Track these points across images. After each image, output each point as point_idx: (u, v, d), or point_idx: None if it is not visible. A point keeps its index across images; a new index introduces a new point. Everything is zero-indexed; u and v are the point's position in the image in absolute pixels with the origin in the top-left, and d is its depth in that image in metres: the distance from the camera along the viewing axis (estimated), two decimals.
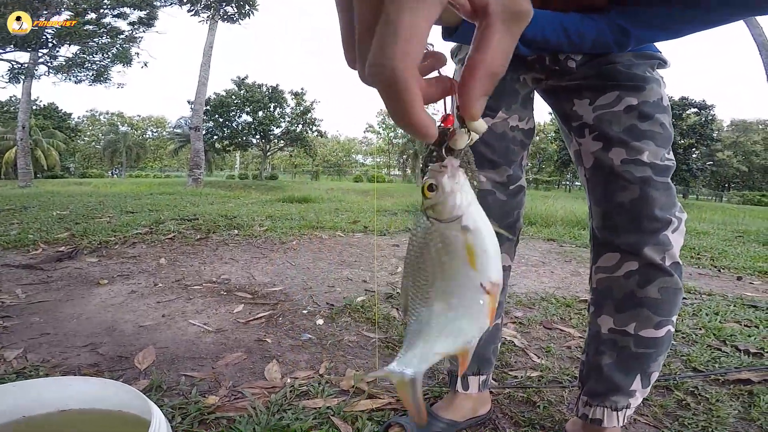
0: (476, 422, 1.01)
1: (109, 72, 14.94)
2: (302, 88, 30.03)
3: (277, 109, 29.08)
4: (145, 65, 15.12)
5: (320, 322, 1.60)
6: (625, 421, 0.84)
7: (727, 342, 1.53)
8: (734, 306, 1.98)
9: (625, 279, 0.79)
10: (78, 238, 2.80)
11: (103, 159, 45.59)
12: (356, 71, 0.24)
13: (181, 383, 1.15)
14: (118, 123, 52.40)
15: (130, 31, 14.86)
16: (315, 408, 1.04)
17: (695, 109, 25.98)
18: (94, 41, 13.83)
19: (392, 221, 4.42)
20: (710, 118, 25.98)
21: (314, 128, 29.85)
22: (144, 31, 15.19)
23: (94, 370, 1.20)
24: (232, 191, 10.16)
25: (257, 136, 29.26)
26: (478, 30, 0.23)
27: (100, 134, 50.24)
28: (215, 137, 27.97)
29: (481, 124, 0.27)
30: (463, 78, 0.24)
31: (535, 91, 0.92)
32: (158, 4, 14.02)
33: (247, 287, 2.02)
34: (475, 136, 0.28)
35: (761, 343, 1.51)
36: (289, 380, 1.18)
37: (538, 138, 39.39)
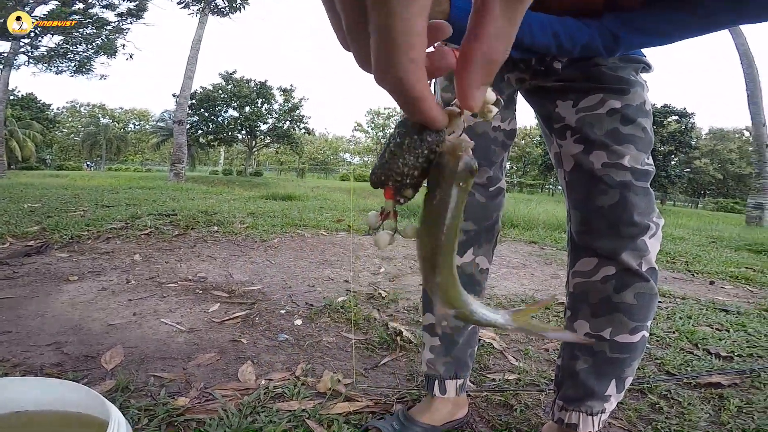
0: (454, 426, 1.00)
1: (92, 63, 14.50)
2: (291, 85, 29.71)
3: (265, 105, 28.72)
4: (131, 57, 14.72)
5: (298, 322, 1.57)
6: (601, 425, 0.84)
7: (699, 345, 1.56)
8: (706, 310, 2.03)
9: (601, 284, 0.79)
10: (49, 232, 2.70)
11: (82, 151, 44.55)
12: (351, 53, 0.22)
13: (150, 384, 1.11)
14: (100, 115, 51.29)
15: (118, 22, 14.41)
16: (290, 410, 1.02)
17: (676, 117, 26.72)
18: (79, 32, 13.36)
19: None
20: (690, 125, 26.76)
21: (302, 125, 29.58)
22: (132, 23, 14.76)
23: (57, 370, 1.14)
24: (214, 187, 9.97)
25: (243, 132, 28.85)
26: (474, 13, 0.21)
27: (80, 126, 49.15)
28: (200, 132, 27.46)
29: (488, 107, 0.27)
30: (458, 67, 0.22)
31: (518, 92, 0.91)
32: None
33: (223, 286, 1.97)
34: (491, 110, 0.28)
35: (731, 347, 1.54)
36: (263, 382, 1.15)
37: (523, 141, 39.91)
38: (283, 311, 1.67)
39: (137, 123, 54.23)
